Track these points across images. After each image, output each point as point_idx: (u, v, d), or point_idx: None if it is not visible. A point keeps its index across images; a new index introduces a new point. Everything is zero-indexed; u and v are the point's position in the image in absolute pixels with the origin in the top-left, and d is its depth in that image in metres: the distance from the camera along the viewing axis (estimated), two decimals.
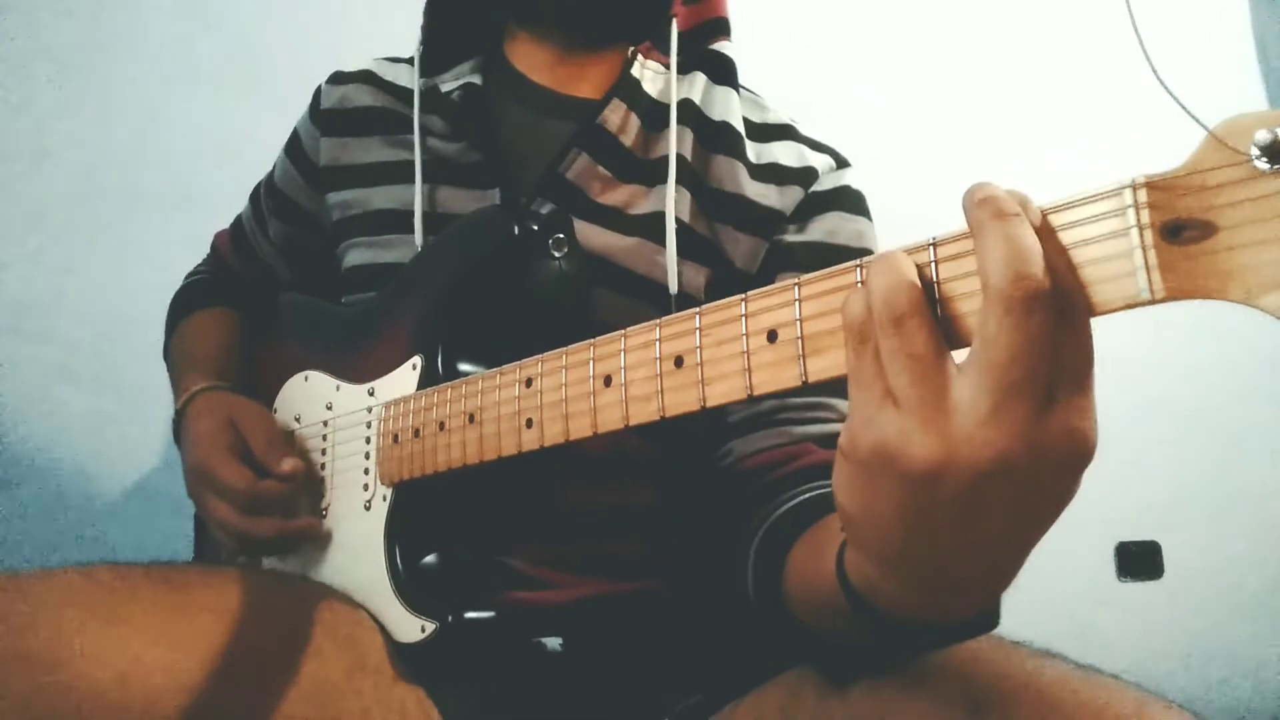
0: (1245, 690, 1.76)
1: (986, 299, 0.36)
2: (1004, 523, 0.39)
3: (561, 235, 0.74)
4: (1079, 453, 0.37)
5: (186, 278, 1.11)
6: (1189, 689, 1.74)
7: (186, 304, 1.06)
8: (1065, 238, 0.37)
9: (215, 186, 1.54)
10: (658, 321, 0.52)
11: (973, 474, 0.36)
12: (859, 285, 0.42)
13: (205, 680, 0.60)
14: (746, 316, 0.47)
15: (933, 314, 0.38)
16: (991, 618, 0.48)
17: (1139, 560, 1.78)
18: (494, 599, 0.73)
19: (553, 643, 0.74)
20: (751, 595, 0.64)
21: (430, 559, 0.74)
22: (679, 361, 0.50)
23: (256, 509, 0.79)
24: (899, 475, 0.38)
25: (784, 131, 0.87)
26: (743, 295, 0.48)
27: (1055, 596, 1.72)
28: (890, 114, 1.76)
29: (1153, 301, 0.35)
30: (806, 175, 0.83)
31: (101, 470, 1.50)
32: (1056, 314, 0.35)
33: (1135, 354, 1.80)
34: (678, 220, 0.78)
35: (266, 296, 1.00)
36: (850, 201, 0.84)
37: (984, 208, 0.37)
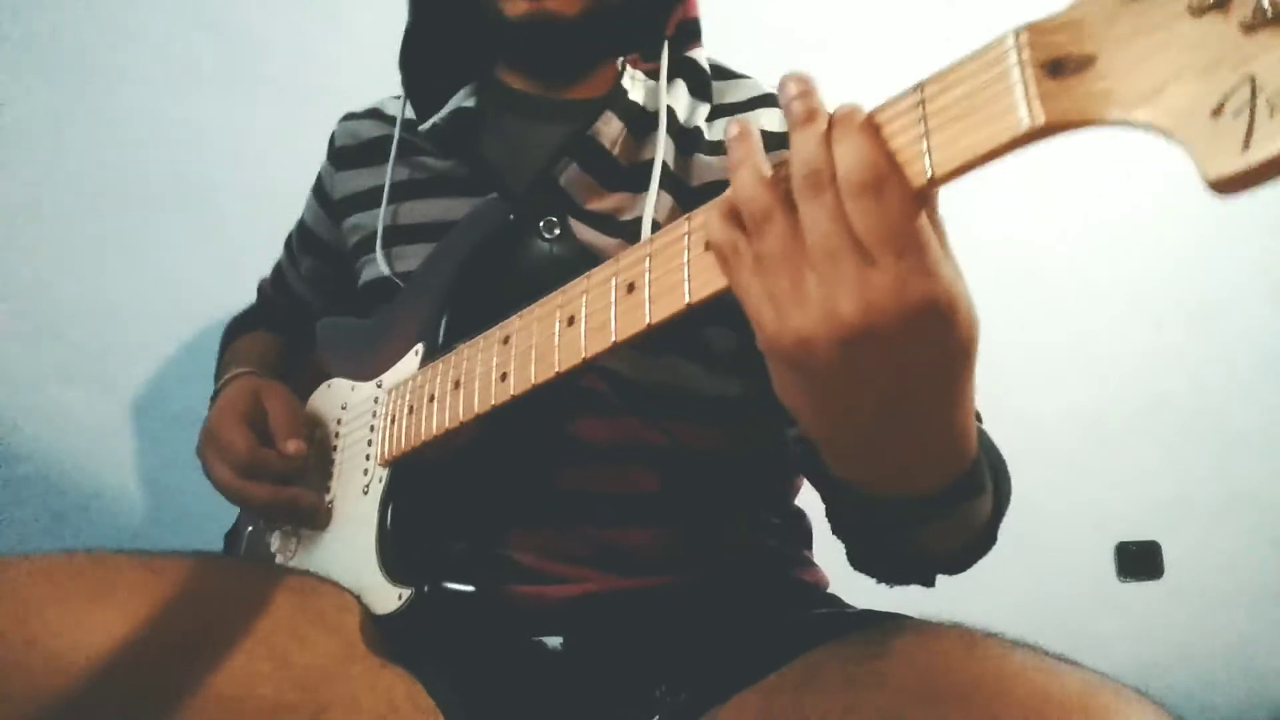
0: (1245, 690, 1.76)
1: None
2: (885, 385, 0.44)
3: (554, 218, 0.77)
4: (916, 304, 0.41)
5: (234, 317, 1.17)
6: (1188, 689, 1.74)
7: (235, 331, 1.13)
8: (960, 89, 0.40)
9: (215, 186, 1.54)
10: (617, 256, 0.55)
11: (831, 343, 0.42)
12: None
13: (186, 661, 0.61)
14: (689, 234, 0.50)
15: (788, 215, 0.43)
16: (962, 488, 0.51)
17: (1139, 560, 1.78)
18: (495, 592, 0.74)
19: (553, 642, 0.74)
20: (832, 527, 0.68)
21: (422, 539, 0.75)
22: (631, 287, 0.53)
23: (252, 474, 0.80)
24: (784, 361, 0.44)
25: (768, 100, 0.88)
26: (687, 215, 0.51)
27: (1055, 596, 1.73)
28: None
29: (1034, 130, 0.37)
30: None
31: (101, 470, 1.50)
32: (852, 193, 0.40)
33: (1135, 354, 1.80)
34: (656, 224, 0.80)
35: (305, 324, 1.06)
36: None
37: (791, 109, 0.43)
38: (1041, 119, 0.36)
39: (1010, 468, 0.63)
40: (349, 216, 0.96)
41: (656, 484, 0.79)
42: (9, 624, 0.57)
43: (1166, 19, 0.34)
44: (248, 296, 1.16)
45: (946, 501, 0.51)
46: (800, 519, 0.91)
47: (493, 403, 0.64)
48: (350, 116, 1.01)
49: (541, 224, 0.77)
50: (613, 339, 0.53)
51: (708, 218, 0.47)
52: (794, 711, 0.58)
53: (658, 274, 0.52)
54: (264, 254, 1.14)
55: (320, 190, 1.02)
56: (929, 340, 0.42)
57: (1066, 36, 0.36)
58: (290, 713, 0.63)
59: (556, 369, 0.58)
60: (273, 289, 1.14)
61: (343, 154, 0.99)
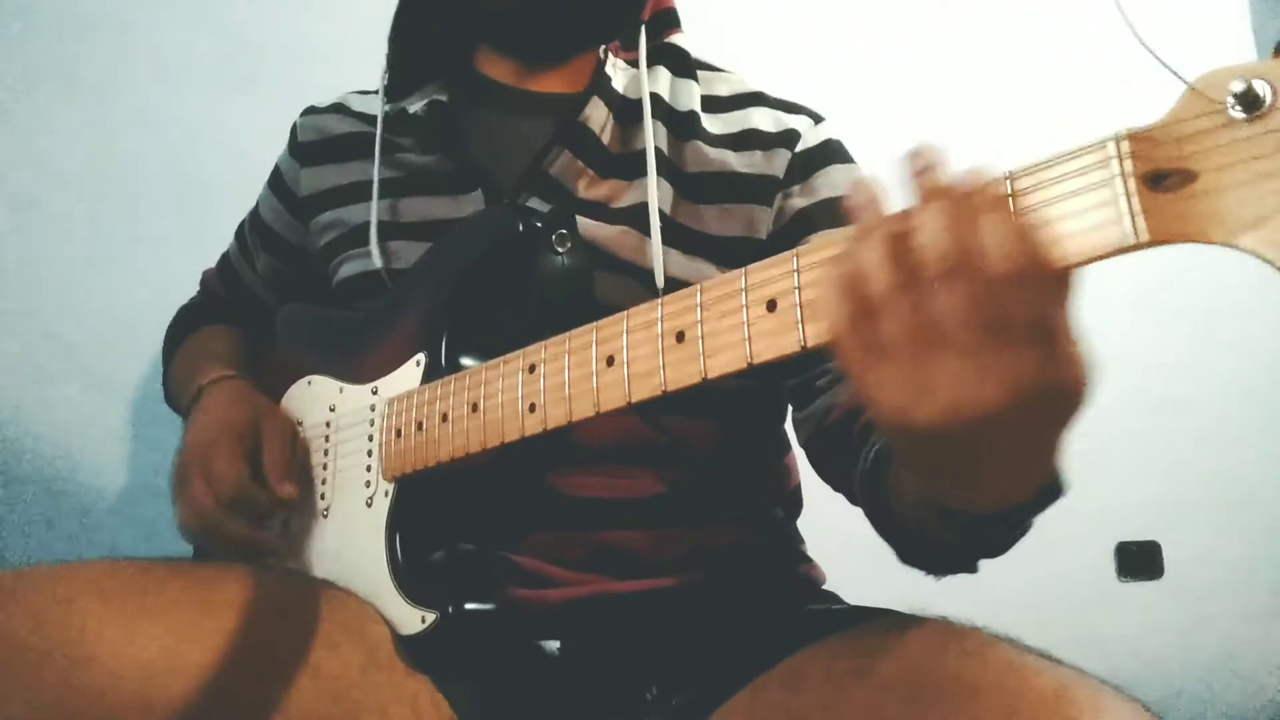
0: (1245, 690, 1.76)
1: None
2: (1009, 445, 0.43)
3: (565, 231, 0.76)
4: (1057, 387, 0.40)
5: (179, 310, 1.12)
6: (1188, 689, 1.74)
7: (186, 326, 1.08)
8: (1055, 190, 0.39)
9: (215, 186, 1.54)
10: (659, 300, 0.54)
11: (966, 426, 0.40)
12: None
13: (228, 676, 0.61)
14: (746, 289, 0.49)
15: (914, 296, 0.40)
16: (1046, 494, 0.51)
17: (1139, 560, 1.78)
18: (495, 595, 0.73)
19: (551, 645, 0.74)
20: (867, 514, 0.69)
21: (430, 552, 0.75)
22: (680, 336, 0.52)
23: (235, 508, 0.78)
24: (911, 440, 0.44)
25: (756, 99, 0.90)
26: (743, 269, 0.50)
27: (1055, 596, 1.72)
28: (877, 81, 1.77)
29: (1139, 245, 0.37)
30: (789, 137, 0.86)
31: (101, 470, 1.49)
32: (1005, 279, 0.38)
33: (1135, 354, 1.80)
34: (660, 211, 0.80)
35: (259, 322, 1.02)
36: (841, 153, 0.88)
37: (922, 182, 0.41)
38: (1146, 235, 0.36)
39: None
40: (322, 213, 0.93)
41: (655, 486, 0.79)
42: (69, 641, 0.57)
43: (1269, 150, 0.34)
44: None
45: (1032, 509, 0.52)
46: (797, 505, 0.91)
47: (523, 433, 0.63)
48: (312, 111, 0.98)
49: (554, 238, 0.75)
50: (662, 389, 0.53)
51: (819, 295, 0.45)
52: (780, 712, 0.58)
53: (712, 327, 0.51)
54: None
55: (281, 186, 0.98)
56: (1061, 409, 0.42)
57: (1168, 150, 0.36)
58: None
59: (598, 408, 0.58)
60: (220, 281, 1.09)
61: (309, 149, 0.95)
